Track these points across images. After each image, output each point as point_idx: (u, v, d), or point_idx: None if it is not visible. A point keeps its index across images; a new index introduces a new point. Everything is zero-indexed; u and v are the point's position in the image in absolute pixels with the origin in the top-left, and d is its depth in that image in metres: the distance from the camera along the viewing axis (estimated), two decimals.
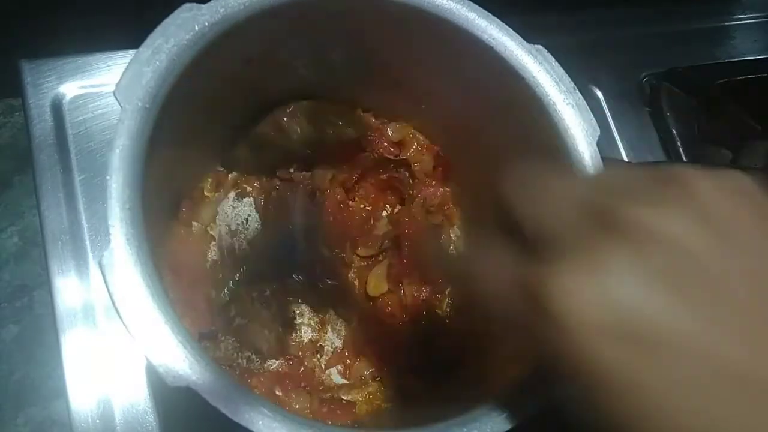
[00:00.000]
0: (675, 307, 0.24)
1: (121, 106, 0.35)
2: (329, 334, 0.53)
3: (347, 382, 0.51)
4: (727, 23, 0.82)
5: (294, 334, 0.52)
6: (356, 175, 0.55)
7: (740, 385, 0.23)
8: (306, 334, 0.53)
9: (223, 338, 0.50)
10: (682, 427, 0.24)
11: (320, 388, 0.50)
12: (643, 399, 0.24)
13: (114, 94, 0.35)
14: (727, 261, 0.25)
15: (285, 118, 0.52)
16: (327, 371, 0.51)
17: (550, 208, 0.29)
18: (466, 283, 0.33)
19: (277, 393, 0.48)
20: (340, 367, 0.52)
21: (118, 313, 0.31)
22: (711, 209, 0.25)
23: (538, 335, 0.27)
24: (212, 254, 0.52)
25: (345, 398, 0.49)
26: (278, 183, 0.55)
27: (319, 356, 0.52)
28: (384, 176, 0.57)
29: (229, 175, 0.55)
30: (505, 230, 0.31)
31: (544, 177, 0.31)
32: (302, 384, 0.49)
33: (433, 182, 0.58)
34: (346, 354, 0.52)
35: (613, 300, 0.25)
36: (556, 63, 0.45)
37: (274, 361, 0.50)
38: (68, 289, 0.50)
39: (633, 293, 0.24)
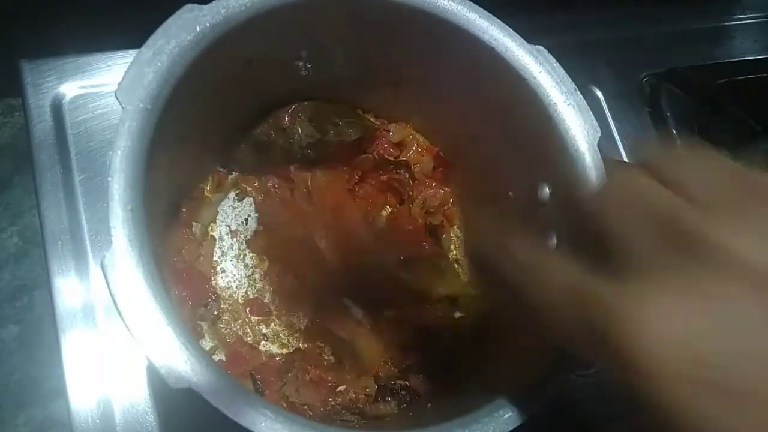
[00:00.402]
0: None
1: (123, 107, 0.35)
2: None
3: (348, 377, 0.51)
4: (727, 23, 0.82)
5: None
6: (357, 176, 0.55)
7: None
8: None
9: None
10: None
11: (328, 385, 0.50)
12: None
13: (115, 95, 0.35)
14: None
15: (286, 118, 0.52)
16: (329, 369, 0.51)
17: (633, 216, 0.25)
18: (521, 292, 0.29)
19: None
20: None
21: (120, 314, 0.31)
22: None
23: (604, 360, 0.24)
24: (214, 254, 0.53)
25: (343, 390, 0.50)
26: (278, 183, 0.55)
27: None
28: (384, 177, 0.57)
29: (230, 176, 0.55)
30: (570, 240, 0.28)
31: (630, 183, 0.27)
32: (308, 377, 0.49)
33: (433, 183, 0.58)
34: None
35: (704, 338, 0.22)
36: (557, 64, 0.45)
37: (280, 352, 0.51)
38: (68, 289, 0.50)
39: (727, 333, 0.21)
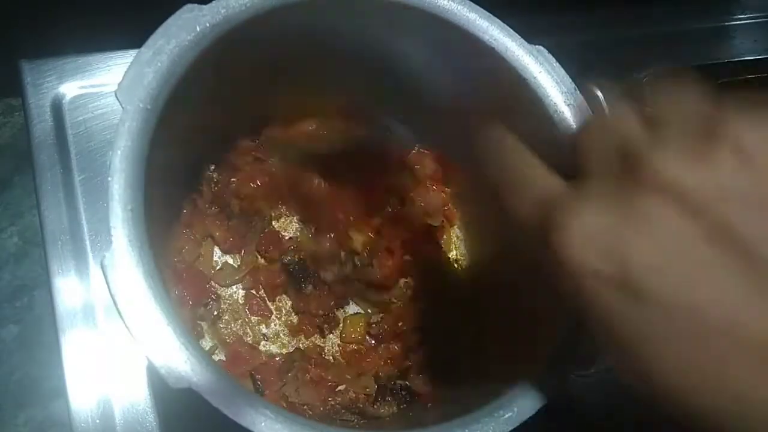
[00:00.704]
0: (700, 273, 0.23)
1: (123, 107, 0.35)
2: (330, 335, 0.53)
3: (348, 377, 0.51)
4: (727, 23, 0.82)
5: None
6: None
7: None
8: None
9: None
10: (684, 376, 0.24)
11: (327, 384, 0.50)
12: (648, 353, 0.24)
13: (115, 95, 0.35)
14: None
15: None
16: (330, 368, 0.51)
17: (597, 142, 0.29)
18: (497, 187, 0.34)
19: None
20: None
21: (120, 314, 0.31)
22: (756, 167, 0.24)
23: (544, 261, 0.27)
24: (215, 254, 0.52)
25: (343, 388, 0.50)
26: None
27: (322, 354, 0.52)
28: (385, 179, 0.57)
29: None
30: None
31: (608, 118, 0.32)
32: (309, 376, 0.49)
33: (434, 186, 0.57)
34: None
35: (619, 249, 0.24)
36: (557, 64, 0.45)
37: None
38: (68, 289, 0.50)
39: (647, 247, 0.24)
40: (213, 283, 0.51)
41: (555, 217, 0.27)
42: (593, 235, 0.25)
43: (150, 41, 0.37)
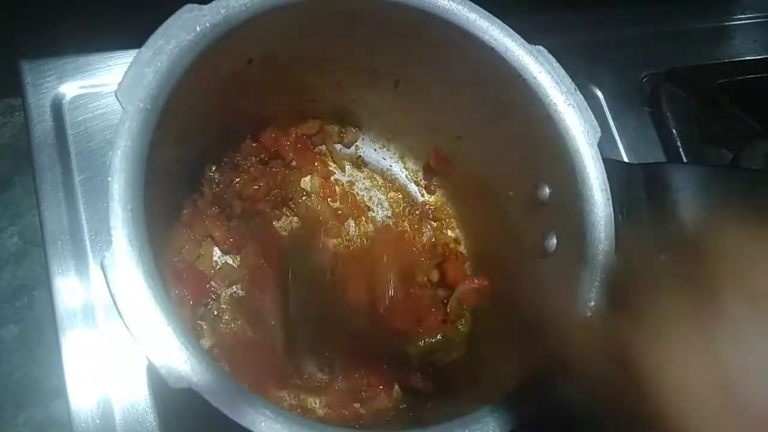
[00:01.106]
0: None
1: (123, 107, 0.35)
2: None
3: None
4: (727, 23, 0.82)
5: None
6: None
7: None
8: None
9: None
10: None
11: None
12: None
13: (115, 95, 0.35)
14: None
15: None
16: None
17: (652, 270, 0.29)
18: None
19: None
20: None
21: (120, 314, 0.31)
22: None
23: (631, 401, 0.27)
24: (215, 254, 0.52)
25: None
26: None
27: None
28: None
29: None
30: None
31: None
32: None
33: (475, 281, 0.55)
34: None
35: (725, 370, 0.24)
36: (557, 64, 0.45)
37: None
38: (68, 289, 0.50)
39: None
40: (213, 283, 0.51)
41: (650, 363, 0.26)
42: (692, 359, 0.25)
43: (150, 41, 0.37)
